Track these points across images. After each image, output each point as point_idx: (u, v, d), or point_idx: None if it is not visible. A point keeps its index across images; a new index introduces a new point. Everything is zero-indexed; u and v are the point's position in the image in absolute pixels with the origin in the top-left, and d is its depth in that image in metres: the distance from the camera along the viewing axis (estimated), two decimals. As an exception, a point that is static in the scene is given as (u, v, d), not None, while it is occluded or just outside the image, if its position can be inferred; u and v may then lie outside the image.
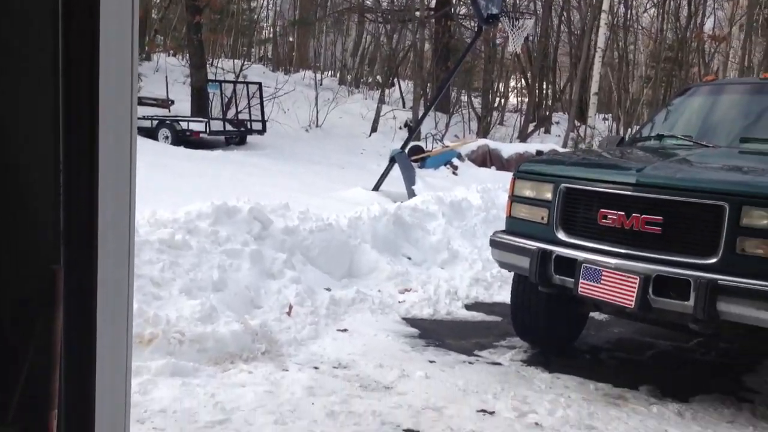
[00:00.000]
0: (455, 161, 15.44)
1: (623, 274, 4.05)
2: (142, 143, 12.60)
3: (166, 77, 20.64)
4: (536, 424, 3.77)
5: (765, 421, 4.01)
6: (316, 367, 4.34)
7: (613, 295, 4.09)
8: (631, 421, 3.89)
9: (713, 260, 3.83)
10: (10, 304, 2.10)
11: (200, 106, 18.87)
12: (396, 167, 11.72)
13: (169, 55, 26.80)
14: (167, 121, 17.40)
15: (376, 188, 11.55)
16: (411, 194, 10.78)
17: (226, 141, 18.31)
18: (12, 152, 2.06)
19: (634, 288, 3.99)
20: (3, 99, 2.02)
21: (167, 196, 7.44)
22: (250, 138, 18.96)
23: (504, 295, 6.21)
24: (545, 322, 4.93)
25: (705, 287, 3.75)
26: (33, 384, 2.11)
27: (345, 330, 5.11)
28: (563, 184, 4.48)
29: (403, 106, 26.04)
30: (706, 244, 3.87)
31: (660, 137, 5.43)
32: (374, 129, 22.34)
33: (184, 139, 16.72)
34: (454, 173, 14.89)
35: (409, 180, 11.49)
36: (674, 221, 3.99)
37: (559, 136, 24.40)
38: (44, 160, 2.09)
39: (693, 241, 3.93)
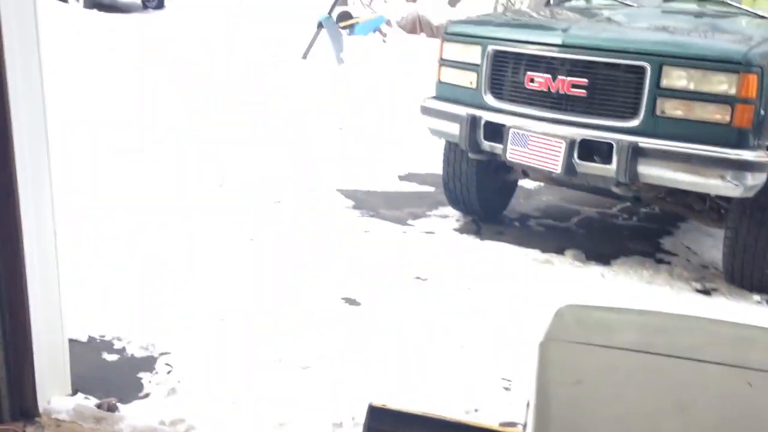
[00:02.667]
0: (384, 28, 15.10)
1: (549, 138, 4.11)
2: (53, 6, 11.79)
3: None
4: (468, 289, 3.91)
5: (681, 281, 4.27)
6: (251, 239, 4.36)
7: (540, 160, 4.17)
8: (558, 283, 4.07)
9: (635, 123, 3.91)
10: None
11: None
12: (324, 33, 11.41)
13: None
14: (78, -18, 16.26)
15: (305, 56, 11.27)
16: (339, 61, 10.58)
17: (143, 4, 17.30)
18: None
19: (560, 152, 4.07)
20: None
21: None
22: (168, 1, 17.93)
23: (436, 166, 6.28)
24: (476, 191, 4.99)
25: (626, 150, 3.86)
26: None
27: (278, 202, 5.11)
28: (491, 46, 4.41)
29: (331, -31, 25.01)
30: (629, 106, 3.93)
31: (588, -4, 5.36)
32: (301, -7, 21.48)
33: (98, 2, 15.73)
34: (383, 41, 14.59)
35: (338, 47, 11.22)
36: (598, 83, 4.01)
37: (488, 1, 23.97)
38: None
39: (616, 104, 3.97)
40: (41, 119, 2.19)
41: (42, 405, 2.42)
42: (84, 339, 3.07)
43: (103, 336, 3.11)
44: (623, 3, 4.96)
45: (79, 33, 9.78)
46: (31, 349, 2.32)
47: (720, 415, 1.12)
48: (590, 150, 4.02)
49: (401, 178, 6.11)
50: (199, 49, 10.43)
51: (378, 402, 1.90)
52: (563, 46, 4.08)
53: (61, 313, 2.45)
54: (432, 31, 15.58)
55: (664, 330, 1.42)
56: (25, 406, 2.36)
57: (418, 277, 4.02)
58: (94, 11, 13.64)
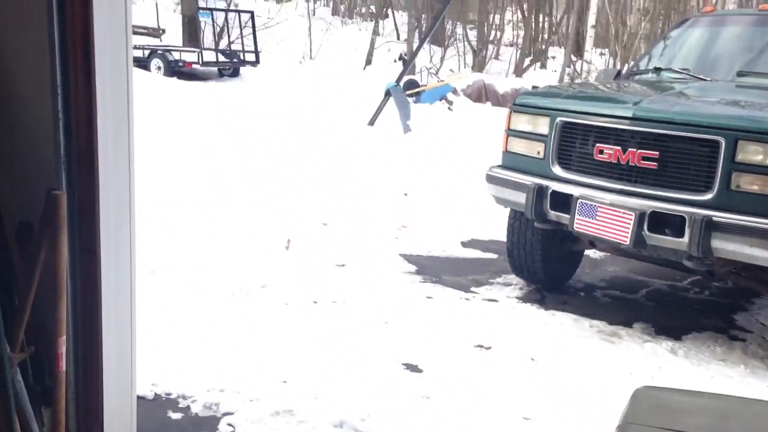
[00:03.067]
0: (450, 96, 15.34)
1: (618, 210, 4.08)
2: (135, 74, 12.38)
3: (156, 4, 20.23)
4: (532, 359, 3.85)
5: (756, 359, 4.11)
6: (315, 302, 4.40)
7: (609, 232, 4.13)
8: (625, 358, 3.97)
9: (709, 196, 3.84)
10: (14, 228, 2.11)
11: (192, 35, 18.56)
12: (391, 101, 11.64)
13: (158, -17, 26.16)
14: (159, 51, 17.15)
15: (372, 123, 11.50)
16: (406, 129, 10.74)
17: (219, 73, 18.09)
18: (10, 80, 2.04)
19: (630, 224, 4.02)
20: (2, 29, 1.98)
21: (156, 134, 7.38)
22: (243, 70, 18.72)
23: (499, 233, 6.26)
24: (541, 260, 4.96)
25: (700, 224, 3.78)
26: (42, 310, 2.14)
27: (343, 265, 5.16)
28: (559, 118, 4.45)
29: (398, 38, 25.69)
30: (702, 179, 3.88)
31: (657, 70, 5.38)
32: (368, 62, 22.09)
33: (177, 70, 16.50)
34: (449, 108, 14.80)
35: (405, 114, 11.42)
36: (670, 156, 3.98)
37: (555, 71, 24.18)
38: (41, 86, 2.07)
39: (689, 177, 3.93)
40: (126, 181, 2.28)
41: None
42: (150, 396, 3.12)
43: (169, 394, 3.16)
44: (695, 77, 4.95)
45: (159, 99, 10.23)
46: (102, 409, 2.35)
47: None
48: (661, 222, 3.96)
49: (464, 244, 6.11)
50: (270, 114, 10.76)
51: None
52: (634, 119, 4.08)
53: (132, 372, 2.49)
54: (498, 99, 15.75)
55: (740, 417, 1.41)
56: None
57: (480, 345, 3.98)
58: (174, 79, 14.28)
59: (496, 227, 6.53)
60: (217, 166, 5.68)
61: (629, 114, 4.12)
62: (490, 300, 4.84)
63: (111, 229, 2.27)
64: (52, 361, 2.15)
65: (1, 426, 2.04)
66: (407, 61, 15.80)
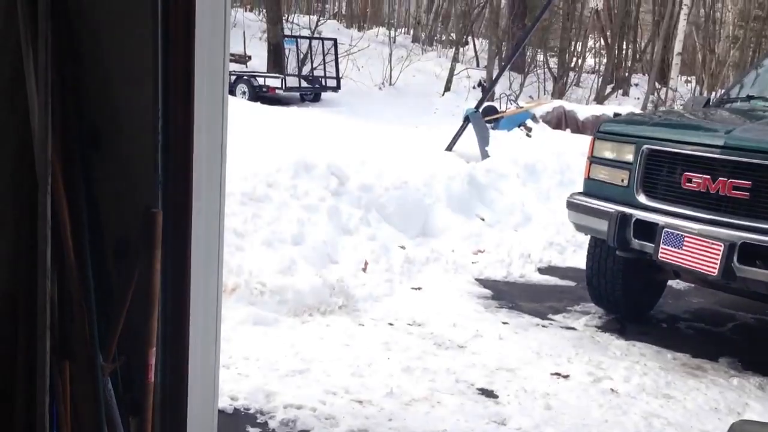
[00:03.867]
0: (529, 123, 15.17)
1: (707, 240, 3.96)
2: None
3: (244, 32, 20.82)
4: (612, 390, 3.76)
5: None
6: (391, 324, 4.42)
7: (696, 262, 4.00)
8: (710, 392, 3.83)
9: (804, 229, 3.70)
10: (112, 244, 2.21)
11: (276, 62, 19.02)
12: (470, 127, 11.62)
13: (246, 10, 27.01)
14: (244, 77, 17.62)
15: (450, 148, 11.48)
16: (485, 155, 10.68)
17: (301, 98, 18.45)
18: (115, 102, 2.15)
19: (718, 255, 3.89)
20: (108, 50, 2.10)
21: (247, 151, 7.58)
22: (324, 95, 19.04)
23: (578, 261, 6.14)
24: (622, 289, 4.86)
25: (793, 256, 3.64)
26: (134, 323, 2.23)
27: (419, 288, 5.17)
28: (645, 146, 4.37)
29: (477, 65, 25.68)
30: (797, 211, 3.74)
31: (749, 98, 5.22)
32: (447, 88, 22.12)
33: (261, 95, 16.92)
34: (528, 135, 14.65)
35: (483, 140, 11.37)
36: (763, 186, 3.85)
37: (638, 99, 23.68)
38: (144, 109, 2.18)
39: None
40: (217, 201, 2.37)
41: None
42: (230, 411, 3.19)
43: (248, 409, 3.22)
44: (790, 106, 4.79)
45: (243, 122, 10.52)
46: (186, 420, 2.41)
47: None
48: (752, 254, 3.82)
49: (541, 271, 6.03)
50: (348, 136, 10.90)
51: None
52: (726, 148, 3.97)
53: (215, 386, 2.55)
54: (578, 126, 15.51)
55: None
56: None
57: (557, 374, 3.90)
58: (257, 104, 14.65)
59: (574, 254, 6.44)
60: (297, 183, 5.79)
61: (721, 143, 4.01)
62: (567, 328, 4.75)
63: (201, 246, 2.35)
64: (142, 372, 2.22)
65: (91, 433, 2.12)
66: (487, 88, 15.78)
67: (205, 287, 2.41)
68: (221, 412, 2.98)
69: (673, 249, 4.10)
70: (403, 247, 5.89)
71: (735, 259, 3.85)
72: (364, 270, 5.23)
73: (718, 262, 3.88)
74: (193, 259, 2.30)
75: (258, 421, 3.14)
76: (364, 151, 8.99)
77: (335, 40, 20.18)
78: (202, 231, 2.35)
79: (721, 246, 3.88)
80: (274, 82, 17.56)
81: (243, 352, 3.69)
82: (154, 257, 2.13)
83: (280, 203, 5.39)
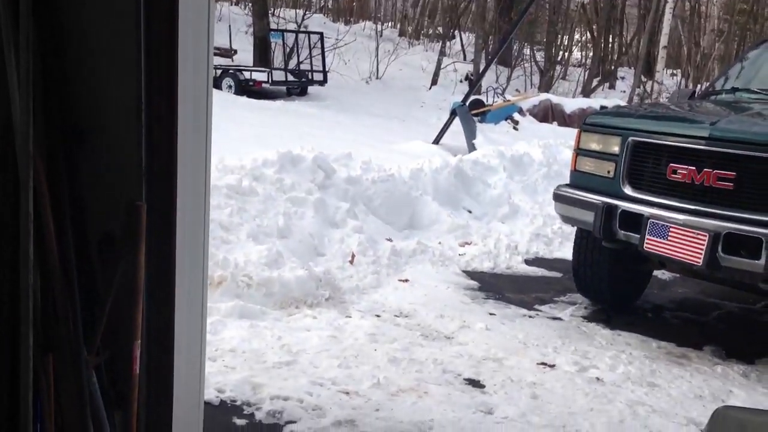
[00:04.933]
0: (516, 116, 15.25)
1: (692, 230, 3.98)
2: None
3: (230, 26, 20.74)
4: (597, 379, 3.78)
5: (833, 384, 3.94)
6: (378, 315, 4.42)
7: (681, 252, 4.03)
8: (695, 380, 3.86)
9: (788, 218, 3.72)
10: (96, 238, 2.20)
11: (262, 56, 18.96)
12: (457, 121, 11.65)
13: (231, 4, 26.89)
14: (231, 71, 17.56)
15: (437, 141, 11.52)
16: (471, 148, 10.72)
17: (287, 91, 18.42)
18: (99, 96, 2.14)
19: (703, 245, 3.92)
20: (91, 44, 2.09)
21: (233, 145, 7.56)
22: (311, 89, 19.02)
23: (564, 252, 6.18)
24: (608, 279, 4.89)
25: (778, 246, 3.66)
26: (118, 316, 2.22)
27: (406, 280, 5.17)
28: (631, 137, 4.38)
29: (464, 59, 25.70)
30: (781, 201, 3.76)
31: (734, 91, 5.25)
32: (434, 82, 22.15)
33: (247, 89, 16.88)
34: (514, 128, 14.71)
35: (470, 134, 11.42)
36: (748, 177, 3.87)
37: (624, 92, 23.81)
38: (128, 102, 2.17)
39: (766, 198, 3.82)
40: (202, 195, 2.36)
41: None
42: (216, 402, 3.18)
43: (234, 401, 3.21)
44: (775, 97, 4.81)
45: (229, 116, 10.49)
46: (171, 412, 2.41)
47: None
48: (736, 244, 3.84)
49: (528, 262, 6.05)
50: (334, 129, 10.91)
51: None
52: (711, 139, 3.99)
53: (201, 378, 2.54)
54: (564, 119, 15.57)
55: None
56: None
57: (543, 363, 3.92)
58: (244, 97, 14.62)
59: (561, 246, 6.47)
60: (284, 177, 5.78)
61: (705, 134, 4.03)
62: (554, 318, 4.77)
63: (187, 239, 2.34)
64: (127, 365, 2.21)
65: (77, 428, 2.11)
66: (474, 82, 15.80)
67: (190, 280, 2.41)
68: (207, 404, 2.97)
69: (658, 239, 4.12)
70: (390, 240, 5.89)
71: (719, 249, 3.87)
72: (351, 262, 5.23)
73: (703, 252, 3.91)
74: (177, 252, 2.29)
75: (244, 412, 3.13)
76: (351, 145, 9.00)
77: (322, 34, 20.16)
78: (188, 224, 2.34)
79: (705, 236, 3.90)
80: (260, 76, 17.52)
81: (229, 345, 3.68)
82: (138, 250, 2.12)
83: (266, 196, 5.38)
